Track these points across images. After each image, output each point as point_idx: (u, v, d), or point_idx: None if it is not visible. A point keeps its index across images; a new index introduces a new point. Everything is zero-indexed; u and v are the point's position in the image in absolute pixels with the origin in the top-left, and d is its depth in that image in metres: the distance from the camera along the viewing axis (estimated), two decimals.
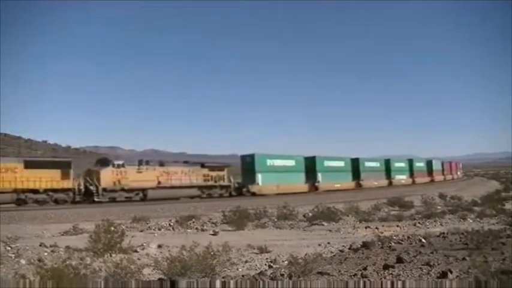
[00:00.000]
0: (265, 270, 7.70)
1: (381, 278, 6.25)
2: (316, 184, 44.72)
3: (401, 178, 59.40)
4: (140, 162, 31.77)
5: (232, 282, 5.52)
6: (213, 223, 17.26)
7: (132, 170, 30.59)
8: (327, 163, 47.85)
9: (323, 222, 16.38)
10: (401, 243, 10.13)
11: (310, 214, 18.23)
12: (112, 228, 9.88)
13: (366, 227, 15.06)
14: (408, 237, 11.03)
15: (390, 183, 56.19)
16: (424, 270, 6.58)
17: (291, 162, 43.66)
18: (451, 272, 6.06)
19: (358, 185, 50.02)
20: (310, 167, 45.11)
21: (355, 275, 6.58)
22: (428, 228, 14.29)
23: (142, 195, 30.64)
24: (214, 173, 35.59)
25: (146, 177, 31.04)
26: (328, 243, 11.44)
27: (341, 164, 50.02)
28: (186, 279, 5.72)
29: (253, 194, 37.59)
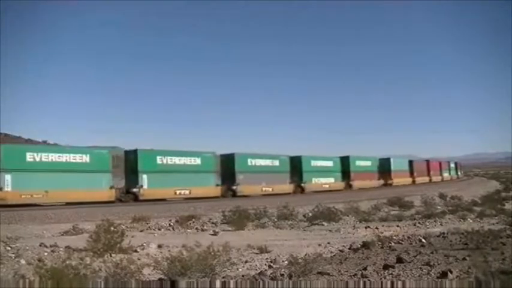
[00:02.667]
0: (265, 270, 7.70)
1: (381, 278, 6.24)
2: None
3: (325, 182, 45.89)
4: None
5: (232, 282, 5.52)
6: (213, 223, 17.26)
7: None
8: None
9: (323, 222, 16.38)
10: (401, 243, 10.12)
11: (310, 214, 18.24)
12: (112, 228, 9.87)
13: (366, 227, 15.05)
14: (408, 237, 11.02)
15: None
16: (424, 270, 6.57)
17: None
18: (451, 272, 6.05)
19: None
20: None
21: (355, 275, 6.57)
22: (428, 228, 14.29)
23: None
24: None
25: None
26: (328, 243, 11.44)
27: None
28: (186, 279, 5.72)
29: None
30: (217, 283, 5.07)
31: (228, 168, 37.72)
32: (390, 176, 56.00)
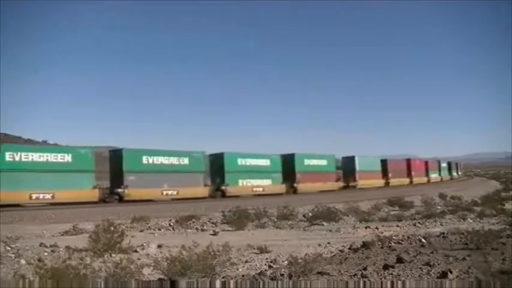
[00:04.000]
0: (265, 270, 7.69)
1: (381, 278, 6.24)
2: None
3: (258, 184, 38.75)
4: None
5: (232, 282, 5.52)
6: (213, 223, 17.26)
7: None
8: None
9: (323, 222, 16.38)
10: (401, 243, 10.12)
11: (310, 214, 18.24)
12: (112, 228, 9.88)
13: (366, 227, 15.05)
14: (408, 237, 11.02)
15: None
16: (424, 270, 6.57)
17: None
18: (451, 272, 6.05)
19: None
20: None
21: (355, 275, 6.57)
22: (428, 228, 14.28)
23: None
24: None
25: None
26: (328, 243, 11.43)
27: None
28: (186, 279, 5.72)
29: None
30: (217, 283, 5.07)
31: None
32: (354, 177, 49.21)
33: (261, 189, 37.83)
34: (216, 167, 36.85)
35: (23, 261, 8.47)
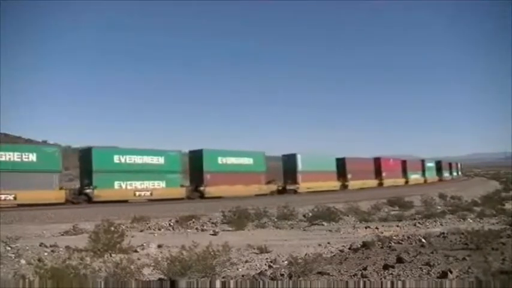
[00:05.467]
0: (265, 270, 7.69)
1: (381, 278, 6.24)
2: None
3: (144, 187, 32.12)
4: None
5: (232, 282, 5.52)
6: (213, 223, 17.26)
7: None
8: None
9: (323, 222, 16.38)
10: (401, 243, 10.11)
11: (310, 214, 18.24)
12: (112, 228, 9.88)
13: (366, 227, 15.05)
14: (408, 237, 11.02)
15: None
16: (424, 270, 6.57)
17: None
18: (451, 272, 6.04)
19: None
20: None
21: (355, 275, 6.57)
22: (428, 228, 14.28)
23: None
24: None
25: None
26: (328, 243, 11.43)
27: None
28: (186, 279, 5.72)
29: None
30: (217, 283, 5.07)
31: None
32: (296, 178, 41.80)
33: (148, 193, 31.63)
34: (84, 164, 31.68)
35: (23, 261, 8.48)
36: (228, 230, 14.73)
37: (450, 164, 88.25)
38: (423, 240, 10.22)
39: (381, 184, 52.68)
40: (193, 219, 17.60)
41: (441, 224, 15.35)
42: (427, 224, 15.64)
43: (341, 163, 48.49)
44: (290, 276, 6.42)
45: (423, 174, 67.96)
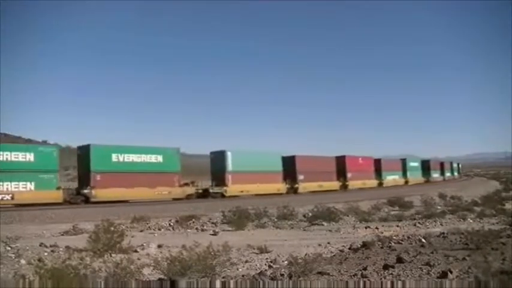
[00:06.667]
0: (265, 270, 7.69)
1: (381, 278, 6.24)
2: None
3: (6, 191, 26.07)
4: None
5: (232, 282, 5.52)
6: (213, 223, 17.27)
7: None
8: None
9: (323, 222, 16.38)
10: (401, 243, 10.11)
11: (310, 214, 18.24)
12: (112, 228, 9.88)
13: (366, 227, 15.05)
14: (408, 237, 11.02)
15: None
16: (424, 270, 6.57)
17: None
18: (451, 272, 6.05)
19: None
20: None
21: (355, 275, 6.57)
22: (428, 228, 14.28)
23: None
24: None
25: None
26: (328, 243, 11.43)
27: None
28: (186, 279, 5.72)
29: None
30: (217, 283, 5.07)
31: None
32: (224, 179, 35.30)
33: (8, 196, 26.14)
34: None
35: (23, 261, 8.48)
36: (228, 230, 14.73)
37: (442, 164, 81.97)
38: (423, 240, 10.22)
39: (345, 186, 46.59)
40: (193, 219, 17.61)
41: (441, 224, 15.34)
42: (427, 224, 15.64)
43: (290, 162, 41.51)
44: (290, 276, 6.42)
45: (404, 174, 61.80)
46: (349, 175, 47.81)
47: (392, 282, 5.33)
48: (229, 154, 36.33)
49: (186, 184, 34.35)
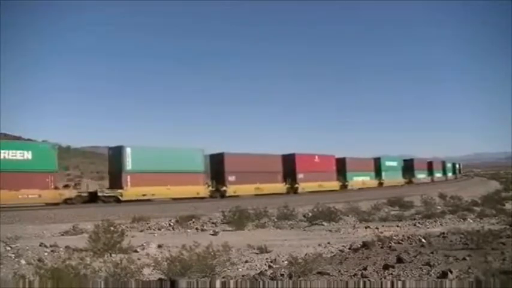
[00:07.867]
0: (265, 270, 7.69)
1: (381, 278, 6.24)
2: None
3: None
4: None
5: (232, 282, 5.52)
6: (213, 223, 17.27)
7: None
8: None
9: (323, 222, 16.37)
10: (401, 243, 10.11)
11: (310, 214, 18.22)
12: (112, 228, 9.88)
13: (366, 227, 15.04)
14: (408, 237, 11.02)
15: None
16: (424, 270, 6.57)
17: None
18: (451, 272, 6.05)
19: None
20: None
21: (355, 275, 6.57)
22: (428, 228, 14.27)
23: None
24: None
25: None
26: (328, 243, 11.43)
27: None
28: (186, 279, 5.72)
29: None
30: (217, 283, 5.07)
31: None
32: (120, 181, 29.95)
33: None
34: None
35: (23, 261, 8.48)
36: (228, 230, 14.73)
37: (430, 163, 73.63)
38: (423, 240, 10.22)
39: (295, 190, 40.17)
40: (193, 219, 17.61)
41: (441, 224, 15.34)
42: (427, 224, 15.63)
43: (217, 161, 35.74)
44: (290, 276, 6.42)
45: (377, 175, 54.66)
46: (300, 176, 41.29)
47: (392, 282, 5.32)
48: (128, 150, 30.47)
49: (66, 186, 30.31)
